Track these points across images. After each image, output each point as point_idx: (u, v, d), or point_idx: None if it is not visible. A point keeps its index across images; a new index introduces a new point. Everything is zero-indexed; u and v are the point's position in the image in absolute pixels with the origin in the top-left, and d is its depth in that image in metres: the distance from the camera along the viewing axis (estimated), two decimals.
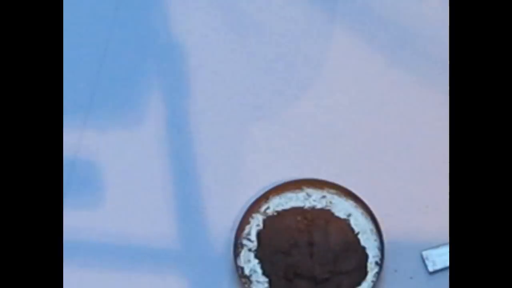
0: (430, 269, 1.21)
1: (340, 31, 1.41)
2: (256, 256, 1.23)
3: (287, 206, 1.26)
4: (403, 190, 1.27)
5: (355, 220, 1.25)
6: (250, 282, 1.21)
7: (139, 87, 1.37)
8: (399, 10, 1.42)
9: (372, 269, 1.21)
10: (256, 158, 1.31)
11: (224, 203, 1.27)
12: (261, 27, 1.42)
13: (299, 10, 1.42)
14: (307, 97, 1.35)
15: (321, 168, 1.29)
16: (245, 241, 1.24)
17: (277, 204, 1.27)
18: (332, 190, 1.27)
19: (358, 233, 1.24)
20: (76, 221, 1.26)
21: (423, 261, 1.22)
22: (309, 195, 1.27)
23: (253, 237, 1.24)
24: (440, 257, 1.22)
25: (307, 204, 1.26)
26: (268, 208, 1.26)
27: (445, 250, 1.22)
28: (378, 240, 1.23)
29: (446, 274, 1.21)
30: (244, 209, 1.25)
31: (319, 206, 1.26)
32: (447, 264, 1.21)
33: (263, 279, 1.21)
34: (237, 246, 1.23)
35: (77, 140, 1.32)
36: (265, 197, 1.27)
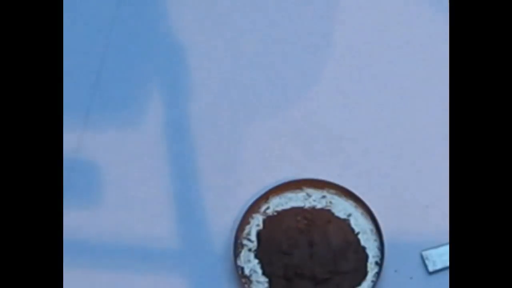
0: (430, 269, 1.21)
1: (340, 31, 1.41)
2: (256, 256, 1.23)
3: (287, 206, 1.26)
4: (403, 190, 1.27)
5: (355, 220, 1.25)
6: (250, 282, 1.21)
7: (139, 87, 1.37)
8: (399, 10, 1.42)
9: (372, 269, 1.21)
10: (256, 158, 1.31)
11: (224, 203, 1.27)
12: (261, 27, 1.42)
13: (299, 10, 1.42)
14: (307, 97, 1.36)
15: (321, 168, 1.29)
16: (245, 241, 1.24)
17: (277, 204, 1.27)
18: (332, 190, 1.27)
19: (358, 233, 1.24)
20: (76, 221, 1.26)
21: (423, 261, 1.22)
22: (309, 195, 1.27)
23: (253, 237, 1.24)
24: (440, 257, 1.22)
25: (307, 204, 1.26)
26: (268, 208, 1.26)
27: (445, 250, 1.22)
28: (378, 240, 1.23)
29: (446, 274, 1.21)
30: (244, 209, 1.25)
31: (319, 206, 1.26)
32: (447, 264, 1.21)
33: (263, 279, 1.21)
34: (237, 246, 1.23)
35: (77, 140, 1.32)
36: (265, 197, 1.27)
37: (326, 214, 1.25)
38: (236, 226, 1.24)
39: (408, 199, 1.27)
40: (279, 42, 1.40)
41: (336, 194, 1.27)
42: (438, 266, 1.22)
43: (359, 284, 1.20)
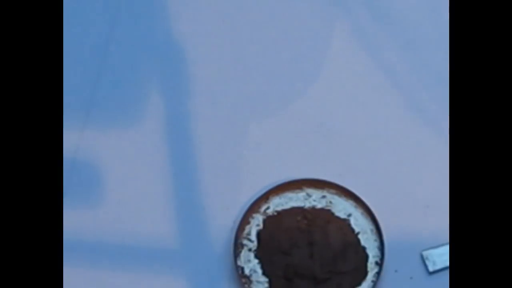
0: (430, 269, 1.21)
1: (340, 30, 1.41)
2: (256, 256, 1.23)
3: (287, 206, 1.26)
4: (403, 190, 1.27)
5: (355, 220, 1.25)
6: (250, 282, 1.21)
7: (139, 87, 1.37)
8: (399, 9, 1.42)
9: (372, 269, 1.21)
10: (256, 158, 1.31)
11: (224, 203, 1.27)
12: (261, 27, 1.42)
13: (299, 10, 1.42)
14: (307, 97, 1.36)
15: (321, 168, 1.29)
16: (245, 241, 1.24)
17: (277, 204, 1.27)
18: (332, 190, 1.27)
19: (358, 233, 1.24)
20: (76, 221, 1.26)
21: (423, 261, 1.22)
22: (309, 195, 1.27)
23: (253, 237, 1.24)
24: (440, 257, 1.22)
25: (307, 204, 1.26)
26: (268, 208, 1.26)
27: (445, 250, 1.22)
28: (378, 240, 1.23)
29: (446, 274, 1.21)
30: (244, 209, 1.25)
31: (319, 206, 1.26)
32: (447, 264, 1.21)
33: (263, 279, 1.21)
34: (237, 246, 1.23)
35: (77, 140, 1.33)
36: (265, 197, 1.27)
37: (326, 214, 1.25)
38: (236, 226, 1.24)
39: (408, 199, 1.27)
40: (279, 42, 1.40)
41: (336, 194, 1.27)
42: (438, 266, 1.22)
43: (359, 284, 1.20)
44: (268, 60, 1.39)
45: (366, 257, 1.22)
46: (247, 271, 1.22)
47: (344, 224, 1.25)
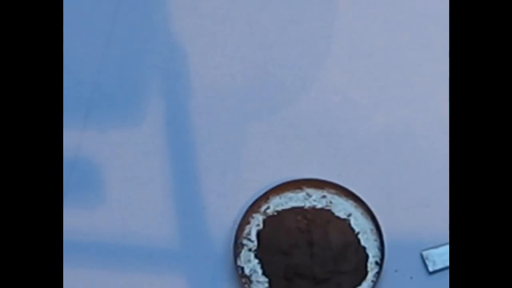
0: (430, 269, 1.21)
1: (340, 30, 1.41)
2: (256, 256, 1.23)
3: (287, 206, 1.26)
4: (403, 190, 1.27)
5: (355, 220, 1.25)
6: (250, 282, 1.21)
7: (139, 87, 1.37)
8: (399, 9, 1.42)
9: (372, 269, 1.21)
10: (256, 158, 1.31)
11: (224, 203, 1.27)
12: (261, 27, 1.42)
13: (299, 10, 1.42)
14: (307, 97, 1.35)
15: (321, 168, 1.29)
16: (245, 241, 1.24)
17: (277, 204, 1.27)
18: (332, 190, 1.27)
19: (358, 233, 1.24)
20: (76, 221, 1.26)
21: (423, 261, 1.22)
22: (309, 195, 1.27)
23: (253, 237, 1.24)
24: (440, 257, 1.22)
25: (307, 204, 1.26)
26: (268, 208, 1.26)
27: (445, 250, 1.22)
28: (378, 240, 1.23)
29: (446, 274, 1.21)
30: (244, 209, 1.25)
31: (319, 206, 1.26)
32: (447, 264, 1.21)
33: (263, 279, 1.21)
34: (237, 246, 1.23)
35: (77, 140, 1.32)
36: (265, 197, 1.27)
37: (326, 214, 1.25)
38: (236, 226, 1.24)
39: (408, 199, 1.27)
40: (279, 42, 1.40)
41: (336, 194, 1.27)
42: (438, 266, 1.21)
43: (359, 284, 1.20)
44: (268, 60, 1.39)
45: (366, 257, 1.22)
46: (247, 271, 1.22)
47: (344, 224, 1.25)
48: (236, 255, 1.23)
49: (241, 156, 1.31)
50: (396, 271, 1.22)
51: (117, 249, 1.25)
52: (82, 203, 1.28)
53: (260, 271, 1.22)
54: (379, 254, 1.22)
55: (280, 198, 1.27)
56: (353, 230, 1.24)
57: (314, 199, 1.27)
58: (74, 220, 1.25)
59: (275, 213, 1.26)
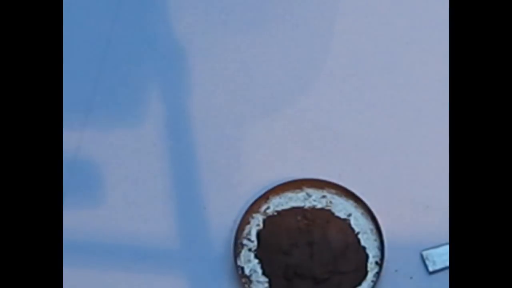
0: (430, 269, 1.21)
1: (340, 30, 1.41)
2: (256, 256, 1.23)
3: (287, 206, 1.26)
4: (403, 190, 1.27)
5: (355, 220, 1.25)
6: (250, 282, 1.21)
7: (139, 87, 1.37)
8: (400, 9, 1.42)
9: (372, 269, 1.21)
10: (256, 158, 1.31)
11: (224, 203, 1.27)
12: (261, 26, 1.42)
13: (299, 10, 1.42)
14: (307, 97, 1.35)
15: (321, 168, 1.29)
16: (245, 241, 1.24)
17: (277, 204, 1.27)
18: (332, 190, 1.27)
19: (358, 233, 1.24)
20: (76, 221, 1.26)
21: (423, 261, 1.22)
22: (309, 195, 1.27)
23: (253, 237, 1.24)
24: (440, 257, 1.22)
25: (307, 204, 1.26)
26: (268, 208, 1.26)
27: (445, 250, 1.22)
28: (378, 240, 1.23)
29: (446, 274, 1.21)
30: (244, 209, 1.25)
31: (319, 206, 1.26)
32: (447, 264, 1.21)
33: (263, 279, 1.21)
34: (237, 246, 1.23)
35: (77, 140, 1.32)
36: (265, 197, 1.27)
37: (326, 214, 1.25)
38: (236, 226, 1.24)
39: (408, 199, 1.27)
40: (279, 42, 1.40)
41: (336, 194, 1.27)
42: (438, 266, 1.22)
43: (359, 284, 1.20)
44: (268, 60, 1.39)
45: (366, 257, 1.22)
46: (247, 271, 1.22)
47: (344, 224, 1.25)
48: (236, 255, 1.23)
49: (241, 156, 1.31)
50: (396, 271, 1.22)
51: (117, 249, 1.25)
52: (82, 203, 1.28)
53: (260, 271, 1.22)
54: (379, 254, 1.22)
55: (280, 198, 1.27)
56: (353, 230, 1.24)
57: (314, 199, 1.27)
58: (74, 220, 1.25)
59: (275, 213, 1.26)
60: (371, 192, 1.26)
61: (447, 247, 1.22)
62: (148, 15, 1.43)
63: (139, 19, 1.43)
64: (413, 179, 1.28)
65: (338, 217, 1.25)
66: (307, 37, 1.40)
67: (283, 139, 1.32)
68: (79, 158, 1.31)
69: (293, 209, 1.26)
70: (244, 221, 1.25)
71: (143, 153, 1.32)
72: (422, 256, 1.22)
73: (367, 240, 1.23)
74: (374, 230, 1.24)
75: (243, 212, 1.25)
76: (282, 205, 1.27)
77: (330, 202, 1.26)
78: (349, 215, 1.25)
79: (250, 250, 1.24)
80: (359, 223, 1.25)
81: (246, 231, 1.25)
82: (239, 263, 1.22)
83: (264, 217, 1.26)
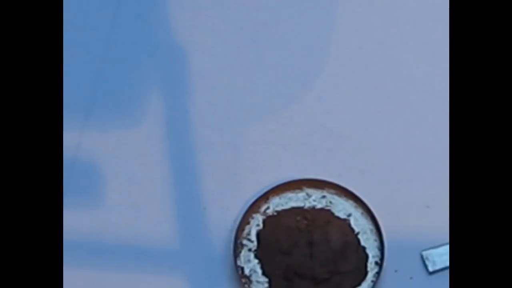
0: (430, 269, 1.21)
1: (340, 30, 1.41)
2: (256, 256, 1.23)
3: (287, 206, 1.26)
4: (403, 190, 1.27)
5: (355, 220, 1.25)
6: (250, 282, 1.21)
7: (139, 87, 1.37)
8: (400, 9, 1.42)
9: (372, 269, 1.21)
10: (256, 158, 1.31)
11: (224, 203, 1.27)
12: (261, 26, 1.42)
13: (299, 10, 1.42)
14: (307, 97, 1.35)
15: (321, 168, 1.29)
16: (245, 241, 1.24)
17: (277, 204, 1.27)
18: (332, 190, 1.27)
19: (358, 233, 1.24)
20: (76, 221, 1.26)
21: (423, 261, 1.22)
22: (309, 195, 1.27)
23: (253, 237, 1.24)
24: (440, 257, 1.22)
25: (307, 204, 1.26)
26: (268, 208, 1.26)
27: (445, 250, 1.22)
28: (378, 240, 1.23)
29: (446, 274, 1.21)
30: (244, 209, 1.25)
31: (319, 206, 1.26)
32: (447, 264, 1.21)
33: (263, 279, 1.21)
34: (237, 246, 1.23)
35: (77, 140, 1.32)
36: (265, 197, 1.27)
37: (326, 214, 1.25)
38: (236, 226, 1.24)
39: (408, 199, 1.27)
40: (279, 42, 1.40)
41: (336, 194, 1.27)
42: (438, 266, 1.22)
43: (359, 284, 1.20)
44: (268, 60, 1.39)
45: (366, 257, 1.22)
46: (247, 271, 1.22)
47: (344, 224, 1.25)
48: (236, 255, 1.23)
49: (241, 156, 1.31)
50: (396, 271, 1.22)
51: (117, 249, 1.25)
52: (82, 203, 1.28)
53: (260, 271, 1.22)
54: (379, 254, 1.22)
55: (280, 198, 1.27)
56: (353, 230, 1.24)
57: (314, 199, 1.27)
58: (74, 220, 1.25)
59: (275, 213, 1.26)
60: (371, 192, 1.26)
61: (447, 247, 1.22)
62: (148, 15, 1.43)
63: (139, 19, 1.43)
64: (413, 179, 1.28)
65: (338, 217, 1.25)
66: (307, 37, 1.40)
67: (283, 139, 1.32)
68: (79, 158, 1.31)
69: (293, 209, 1.26)
70: (244, 221, 1.25)
71: (143, 153, 1.32)
72: (422, 256, 1.22)
73: (367, 240, 1.23)
74: (374, 230, 1.24)
75: (243, 212, 1.25)
76: (282, 205, 1.26)
77: (330, 202, 1.26)
78: (349, 215, 1.25)
79: (250, 250, 1.23)
80: (359, 223, 1.25)
81: (246, 231, 1.25)
82: (239, 263, 1.22)
83: (264, 217, 1.26)
